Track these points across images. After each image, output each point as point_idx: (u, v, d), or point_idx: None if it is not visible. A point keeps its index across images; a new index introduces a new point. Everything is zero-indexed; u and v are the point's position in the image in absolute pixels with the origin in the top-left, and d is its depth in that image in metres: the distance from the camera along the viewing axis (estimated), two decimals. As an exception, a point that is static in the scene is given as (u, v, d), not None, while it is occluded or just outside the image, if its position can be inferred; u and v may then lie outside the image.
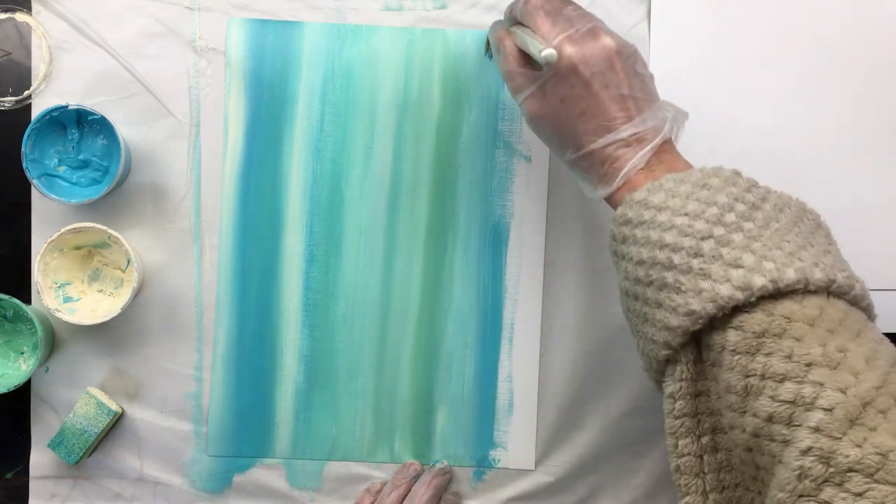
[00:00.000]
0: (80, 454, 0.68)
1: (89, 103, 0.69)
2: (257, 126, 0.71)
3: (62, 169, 0.68)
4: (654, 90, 0.59)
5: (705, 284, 0.50)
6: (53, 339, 0.70)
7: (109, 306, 0.68)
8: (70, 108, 0.66)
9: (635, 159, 0.56)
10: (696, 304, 0.50)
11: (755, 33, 0.72)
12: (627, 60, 0.58)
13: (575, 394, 0.71)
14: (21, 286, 0.69)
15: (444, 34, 0.71)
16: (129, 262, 0.67)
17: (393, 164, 0.71)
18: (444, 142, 0.71)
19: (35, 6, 0.70)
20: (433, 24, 0.71)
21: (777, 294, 0.49)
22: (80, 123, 0.68)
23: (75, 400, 0.69)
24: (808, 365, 0.47)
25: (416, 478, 0.70)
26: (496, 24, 0.64)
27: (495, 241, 0.71)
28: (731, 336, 0.49)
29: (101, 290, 0.69)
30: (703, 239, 0.51)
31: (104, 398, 0.69)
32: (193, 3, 0.71)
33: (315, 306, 0.71)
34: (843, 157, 0.72)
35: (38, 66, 0.70)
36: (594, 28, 0.58)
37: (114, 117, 0.67)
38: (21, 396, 0.70)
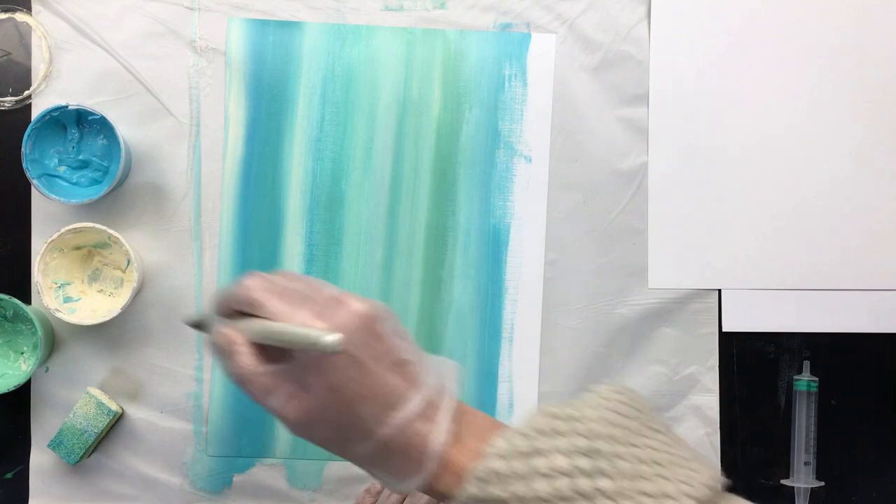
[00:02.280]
0: (80, 454, 0.68)
1: (89, 103, 0.69)
2: (257, 126, 0.71)
3: (62, 169, 0.68)
4: (416, 345, 0.50)
5: None
6: (53, 339, 0.70)
7: (109, 306, 0.68)
8: (70, 108, 0.66)
9: (438, 433, 0.47)
10: None
11: (755, 33, 0.72)
12: (386, 322, 0.49)
13: (575, 394, 0.71)
14: (21, 286, 0.69)
15: (444, 34, 0.71)
16: (129, 262, 0.67)
17: (393, 164, 0.71)
18: (444, 142, 0.71)
19: (35, 6, 0.70)
20: (433, 24, 0.71)
21: None
22: (80, 123, 0.68)
23: (75, 400, 0.69)
24: None
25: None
26: (207, 323, 0.51)
27: (495, 241, 0.71)
28: None
29: (101, 290, 0.69)
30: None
31: (104, 398, 0.69)
32: (193, 3, 0.71)
33: (315, 306, 0.71)
34: (843, 157, 0.72)
35: (38, 66, 0.70)
36: (338, 296, 0.48)
37: (114, 117, 0.67)
38: (21, 396, 0.70)
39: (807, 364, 0.72)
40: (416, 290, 0.71)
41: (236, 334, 0.49)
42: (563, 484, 0.45)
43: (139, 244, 0.70)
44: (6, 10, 0.70)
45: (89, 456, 0.70)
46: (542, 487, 0.45)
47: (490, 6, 0.71)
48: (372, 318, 0.48)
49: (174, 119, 0.70)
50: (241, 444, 0.71)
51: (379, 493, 0.70)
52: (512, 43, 0.71)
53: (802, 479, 0.71)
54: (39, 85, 0.70)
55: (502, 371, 0.71)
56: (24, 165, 0.66)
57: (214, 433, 0.71)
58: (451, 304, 0.71)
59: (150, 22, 0.70)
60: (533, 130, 0.71)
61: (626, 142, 0.72)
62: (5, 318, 0.68)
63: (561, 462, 0.45)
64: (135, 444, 0.70)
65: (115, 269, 0.69)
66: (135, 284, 0.66)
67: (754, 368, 0.72)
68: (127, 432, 0.70)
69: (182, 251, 0.70)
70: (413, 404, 0.48)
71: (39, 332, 0.65)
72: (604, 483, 0.45)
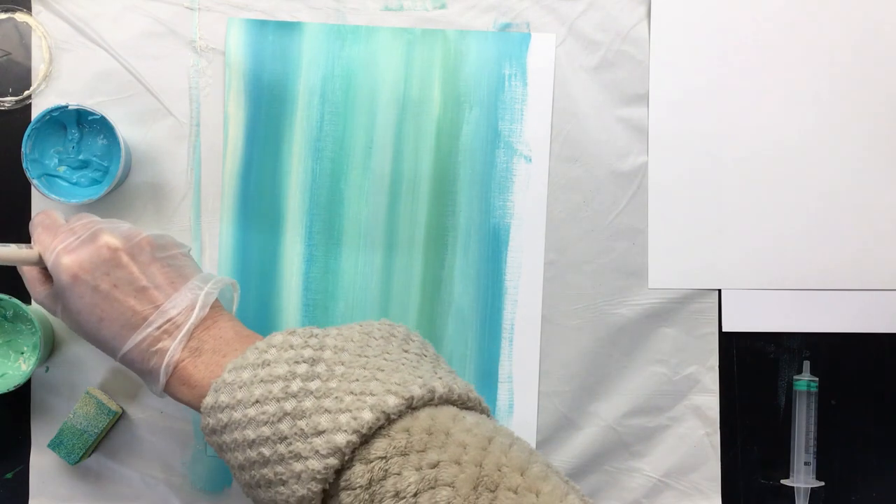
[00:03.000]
0: (80, 454, 0.68)
1: (89, 103, 0.69)
2: (257, 126, 0.71)
3: (62, 169, 0.68)
4: (187, 269, 0.58)
5: (298, 466, 0.48)
6: (53, 339, 0.70)
7: (109, 306, 0.68)
8: (70, 108, 0.66)
9: (171, 350, 0.54)
10: (301, 490, 0.48)
11: (755, 33, 0.72)
12: (140, 252, 0.56)
13: (575, 394, 0.71)
14: (21, 286, 0.69)
15: (444, 34, 0.71)
16: (129, 262, 0.67)
17: (393, 164, 0.71)
18: (444, 142, 0.71)
19: (35, 6, 0.70)
20: (433, 24, 0.71)
21: (366, 438, 0.48)
22: (80, 123, 0.68)
23: (75, 400, 0.69)
24: (416, 493, 0.46)
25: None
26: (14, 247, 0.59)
27: (495, 241, 0.71)
28: (344, 498, 0.48)
29: (101, 290, 0.69)
30: (279, 421, 0.49)
31: (104, 398, 0.69)
32: (193, 3, 0.71)
33: (314, 306, 0.71)
34: (844, 157, 0.72)
35: (38, 66, 0.70)
36: (95, 231, 0.56)
37: (114, 117, 0.67)
38: (21, 396, 0.70)
39: (807, 364, 0.72)
40: (416, 290, 0.71)
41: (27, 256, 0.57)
42: (277, 387, 0.50)
43: (139, 244, 0.70)
44: (6, 10, 0.70)
45: (89, 456, 0.70)
46: (257, 391, 0.50)
47: (490, 6, 0.71)
48: (116, 250, 0.55)
49: (174, 119, 0.70)
50: (241, 444, 0.71)
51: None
52: (512, 43, 0.71)
53: (802, 479, 0.71)
54: (39, 85, 0.70)
55: (502, 371, 0.71)
56: (24, 165, 0.66)
57: (214, 433, 0.71)
58: (451, 304, 0.71)
59: (150, 22, 0.70)
60: (533, 130, 0.71)
61: (626, 142, 0.72)
62: (5, 318, 0.68)
63: (280, 369, 0.50)
64: (135, 444, 0.70)
65: (115, 269, 0.69)
66: (135, 284, 0.66)
67: (754, 368, 0.72)
68: (127, 432, 0.70)
69: (182, 251, 0.70)
70: (153, 326, 0.54)
71: (39, 332, 0.65)
72: (313, 385, 0.50)
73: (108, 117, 0.66)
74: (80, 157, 0.68)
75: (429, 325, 0.71)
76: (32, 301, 0.69)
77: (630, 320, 0.71)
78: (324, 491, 0.49)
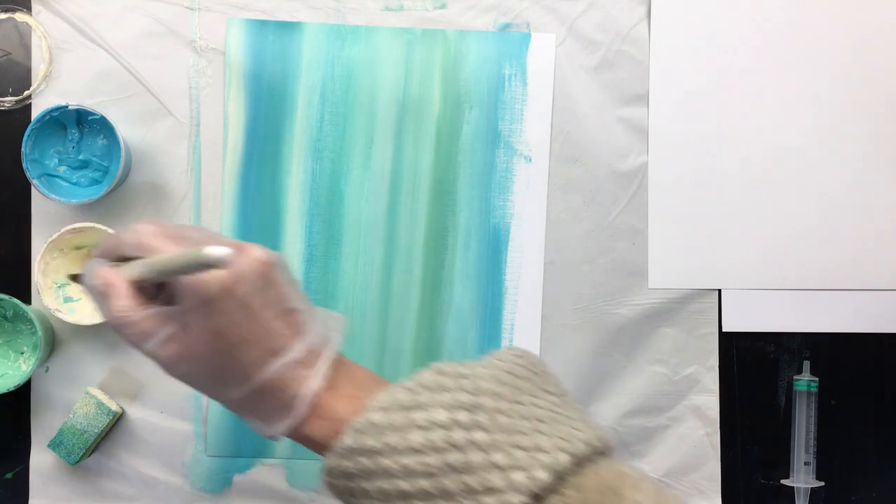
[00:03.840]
0: (80, 454, 0.68)
1: (89, 103, 0.69)
2: (257, 126, 0.71)
3: (62, 169, 0.68)
4: (305, 296, 0.50)
5: (507, 472, 0.44)
6: (53, 339, 0.70)
7: (109, 306, 0.67)
8: (70, 108, 0.66)
9: (314, 379, 0.47)
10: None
11: (755, 33, 0.72)
12: (283, 269, 0.48)
13: (575, 394, 0.71)
14: (21, 286, 0.69)
15: (444, 34, 0.71)
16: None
17: (393, 164, 0.71)
18: (444, 142, 0.71)
19: (35, 6, 0.70)
20: (433, 24, 0.71)
21: (538, 497, 0.44)
22: (80, 123, 0.68)
23: (75, 400, 0.69)
24: None
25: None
26: (88, 267, 0.49)
27: (495, 241, 0.71)
28: None
29: (101, 290, 0.69)
30: (442, 474, 0.44)
31: (104, 398, 0.69)
32: (193, 3, 0.71)
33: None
34: (844, 156, 0.72)
35: (38, 66, 0.70)
36: (237, 242, 0.48)
37: (114, 117, 0.67)
38: (21, 396, 0.70)
39: (807, 364, 0.72)
40: (416, 290, 0.71)
41: (114, 275, 0.47)
42: (437, 436, 0.45)
43: (139, 244, 0.70)
44: (6, 10, 0.70)
45: (89, 456, 0.70)
46: (415, 438, 0.45)
47: (490, 6, 0.71)
48: (269, 265, 0.47)
49: (174, 119, 0.70)
50: (241, 444, 0.71)
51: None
52: (512, 43, 0.71)
53: (802, 479, 0.71)
54: (39, 85, 0.70)
55: (502, 371, 0.71)
56: (24, 165, 0.66)
57: (214, 433, 0.71)
58: (451, 304, 0.71)
59: (150, 22, 0.70)
60: (533, 130, 0.71)
61: (626, 142, 0.72)
62: (5, 318, 0.68)
63: (440, 415, 0.45)
64: (135, 444, 0.70)
65: (115, 269, 0.69)
66: (135, 284, 0.66)
67: (754, 368, 0.72)
68: (127, 432, 0.70)
69: (182, 251, 0.70)
70: (295, 351, 0.47)
71: (39, 332, 0.65)
72: (478, 435, 0.45)
73: (108, 117, 0.66)
74: (80, 157, 0.68)
75: (429, 325, 0.71)
76: (32, 301, 0.69)
77: (630, 320, 0.71)
78: None
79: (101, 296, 0.48)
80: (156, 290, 0.49)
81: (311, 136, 0.71)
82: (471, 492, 0.44)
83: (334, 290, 0.71)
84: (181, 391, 0.70)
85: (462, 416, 0.45)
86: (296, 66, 0.71)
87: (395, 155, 0.71)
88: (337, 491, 0.48)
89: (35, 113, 0.69)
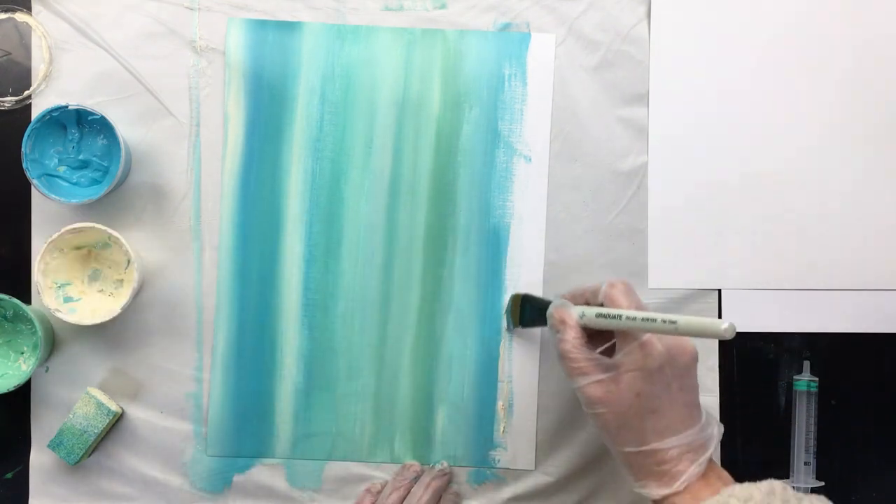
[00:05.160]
0: (80, 454, 0.68)
1: (89, 103, 0.69)
2: (257, 126, 0.71)
3: (62, 169, 0.68)
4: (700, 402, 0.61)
5: None
6: (53, 339, 0.70)
7: (109, 306, 0.67)
8: (70, 108, 0.66)
9: (696, 465, 0.57)
10: None
11: (755, 33, 0.72)
12: (696, 367, 0.59)
13: (575, 394, 0.71)
14: (21, 286, 0.69)
15: (444, 34, 0.71)
16: (129, 262, 0.67)
17: (393, 164, 0.71)
18: (444, 142, 0.71)
19: (35, 6, 0.70)
20: (433, 24, 0.71)
21: None
22: (80, 123, 0.68)
23: (75, 400, 0.69)
24: None
25: (417, 479, 0.70)
26: (556, 304, 0.62)
27: (495, 241, 0.71)
28: None
29: (101, 290, 0.69)
30: None
31: (104, 398, 0.69)
32: (193, 3, 0.71)
33: (314, 306, 0.71)
34: (843, 157, 0.72)
35: (38, 66, 0.70)
36: (680, 338, 0.59)
37: (114, 117, 0.67)
38: (21, 396, 0.70)
39: (807, 364, 0.72)
40: (416, 290, 0.71)
41: (569, 315, 0.60)
42: None
43: (139, 244, 0.70)
44: (6, 10, 0.70)
45: (89, 456, 0.70)
46: None
47: (490, 6, 0.71)
48: (693, 360, 0.58)
49: (174, 119, 0.70)
50: (241, 444, 0.71)
51: (379, 492, 0.70)
52: (512, 43, 0.71)
53: (802, 479, 0.71)
54: (39, 85, 0.70)
55: (502, 371, 0.71)
56: (24, 165, 0.66)
57: (214, 433, 0.71)
58: (451, 304, 0.71)
59: (150, 22, 0.70)
60: (533, 130, 0.71)
61: (626, 142, 0.72)
62: (5, 318, 0.68)
63: None
64: (135, 444, 0.70)
65: (115, 269, 0.69)
66: (135, 284, 0.66)
67: (754, 368, 0.72)
68: (127, 432, 0.70)
69: (182, 251, 0.70)
70: (689, 437, 0.57)
71: (39, 332, 0.65)
72: None
73: (108, 117, 0.66)
74: (80, 157, 0.68)
75: (429, 325, 0.71)
76: (32, 301, 0.69)
77: (630, 320, 0.71)
78: None
79: (555, 329, 0.61)
80: (597, 333, 0.61)
81: (311, 135, 0.71)
82: None
83: (334, 290, 0.71)
84: (181, 391, 0.70)
85: None
86: (296, 66, 0.71)
87: (395, 155, 0.71)
88: None
89: (35, 113, 0.69)
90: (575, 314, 0.60)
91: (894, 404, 0.73)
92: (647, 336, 0.57)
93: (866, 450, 0.73)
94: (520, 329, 0.70)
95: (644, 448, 0.58)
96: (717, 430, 0.60)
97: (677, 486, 0.57)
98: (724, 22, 0.72)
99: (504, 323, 0.71)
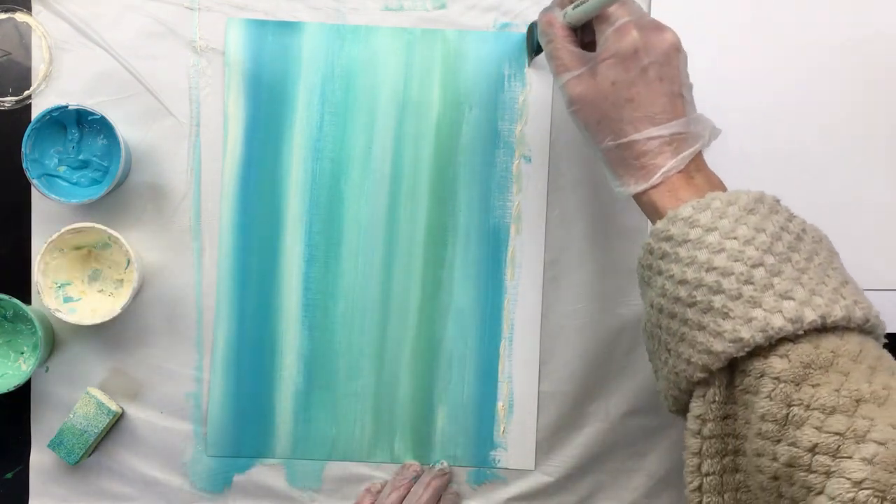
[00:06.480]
0: (80, 454, 0.68)
1: (89, 103, 0.69)
2: (257, 126, 0.71)
3: (62, 169, 0.69)
4: (693, 99, 0.59)
5: (756, 313, 0.49)
6: (53, 339, 0.70)
7: (109, 306, 0.68)
8: (70, 108, 0.66)
9: (677, 159, 0.55)
10: (745, 332, 0.49)
11: (756, 33, 0.72)
12: (684, 61, 0.57)
13: (575, 394, 0.71)
14: (21, 286, 0.69)
15: (444, 34, 0.71)
16: (129, 262, 0.67)
17: (392, 164, 0.71)
18: (444, 142, 0.71)
19: (35, 6, 0.70)
20: (433, 24, 0.71)
21: (822, 328, 0.49)
22: (80, 123, 0.68)
23: (75, 400, 0.69)
24: (858, 401, 0.47)
25: (417, 479, 0.70)
26: (544, 10, 0.62)
27: (495, 240, 0.71)
28: (776, 364, 0.49)
29: (101, 290, 0.69)
30: (754, 266, 0.50)
31: (104, 398, 0.69)
32: (193, 3, 0.71)
33: (314, 306, 0.71)
34: (844, 156, 0.72)
35: (38, 66, 0.70)
36: (660, 23, 0.57)
37: (114, 117, 0.67)
38: (21, 396, 0.70)
39: (807, 364, 0.72)
40: (416, 290, 0.71)
41: (553, 16, 0.59)
42: (749, 249, 0.51)
43: (139, 244, 0.70)
44: (6, 10, 0.70)
45: (89, 456, 0.70)
46: (743, 233, 0.51)
47: (490, 6, 0.71)
48: (675, 49, 0.56)
49: (174, 119, 0.70)
50: (240, 445, 0.71)
51: (379, 492, 0.70)
52: (512, 43, 0.71)
53: (802, 479, 0.71)
54: (39, 85, 0.70)
55: (502, 371, 0.71)
56: (24, 165, 0.66)
57: (214, 433, 0.71)
58: (451, 304, 0.71)
59: (150, 22, 0.70)
60: (533, 130, 0.71)
61: (625, 142, 0.72)
62: (5, 318, 0.68)
63: (761, 238, 0.52)
64: (135, 444, 0.70)
65: (115, 269, 0.69)
66: (135, 284, 0.66)
67: (754, 368, 0.72)
68: (127, 432, 0.70)
69: (182, 251, 0.70)
70: (668, 128, 0.55)
71: (39, 332, 0.65)
72: (768, 259, 0.51)
73: (108, 117, 0.66)
74: (80, 157, 0.68)
75: (429, 325, 0.71)
76: (32, 301, 0.69)
77: (630, 320, 0.71)
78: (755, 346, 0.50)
79: (543, 33, 0.60)
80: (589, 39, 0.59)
81: (311, 136, 0.71)
82: (752, 302, 0.50)
83: (334, 290, 0.71)
84: (181, 391, 0.70)
85: (786, 238, 0.52)
86: (296, 66, 0.71)
87: (395, 155, 0.71)
88: (650, 253, 0.55)
89: (35, 113, 0.69)
90: (559, 14, 0.60)
91: (894, 404, 0.73)
92: (622, 21, 0.56)
93: (866, 450, 0.72)
94: (535, 59, 0.70)
95: (622, 140, 0.56)
96: (709, 130, 0.57)
97: (655, 179, 0.55)
98: (724, 21, 0.72)
99: (526, 62, 0.71)
